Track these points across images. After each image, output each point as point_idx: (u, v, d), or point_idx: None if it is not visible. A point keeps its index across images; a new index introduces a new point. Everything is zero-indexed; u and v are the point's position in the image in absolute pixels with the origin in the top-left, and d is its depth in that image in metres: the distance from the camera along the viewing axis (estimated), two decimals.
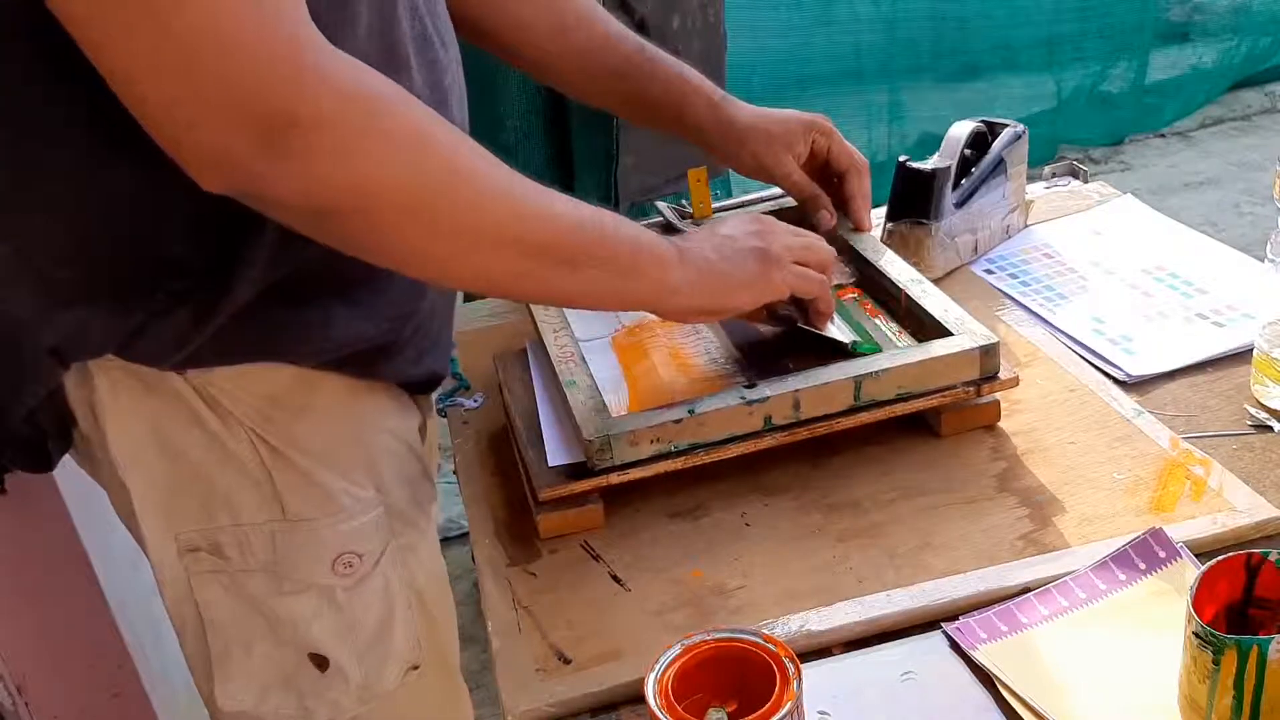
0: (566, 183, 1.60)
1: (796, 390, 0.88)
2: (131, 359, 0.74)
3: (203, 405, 0.76)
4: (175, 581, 0.81)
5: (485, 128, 1.33)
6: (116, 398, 0.76)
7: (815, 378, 0.89)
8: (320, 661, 0.82)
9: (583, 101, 1.14)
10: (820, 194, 1.11)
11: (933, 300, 0.97)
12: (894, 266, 1.04)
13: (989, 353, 0.91)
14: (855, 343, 0.94)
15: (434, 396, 0.93)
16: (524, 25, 1.03)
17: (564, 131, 1.56)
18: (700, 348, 0.99)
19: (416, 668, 0.87)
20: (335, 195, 0.64)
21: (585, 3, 1.07)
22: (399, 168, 0.66)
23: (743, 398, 0.87)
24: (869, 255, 1.06)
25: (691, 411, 0.86)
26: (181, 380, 0.75)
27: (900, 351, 0.93)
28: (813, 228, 1.14)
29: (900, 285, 1.00)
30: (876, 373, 0.89)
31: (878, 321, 1.01)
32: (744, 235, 0.88)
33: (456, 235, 0.70)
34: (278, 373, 0.77)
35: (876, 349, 0.94)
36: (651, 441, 0.86)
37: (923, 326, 0.97)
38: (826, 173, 1.12)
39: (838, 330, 0.95)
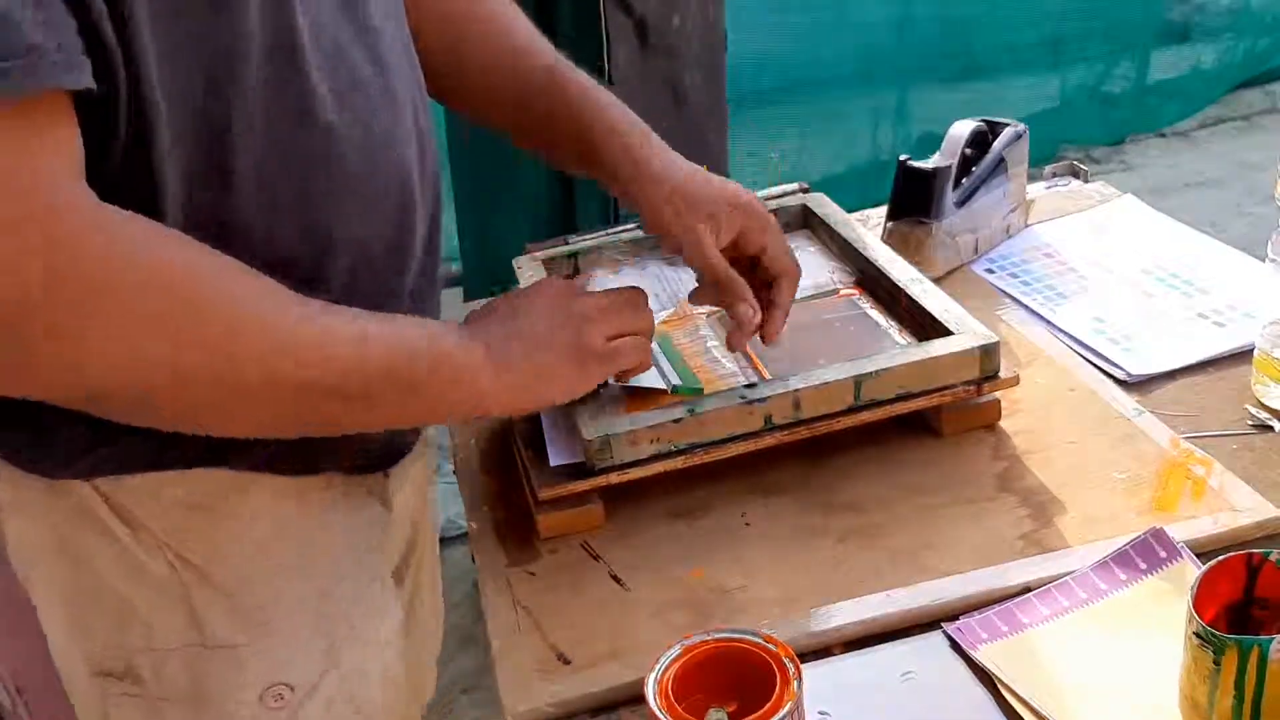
0: (566, 189, 1.60)
1: (797, 390, 0.88)
2: (22, 467, 0.68)
3: (111, 515, 0.69)
4: (89, 706, 0.74)
5: (485, 139, 1.31)
6: (18, 495, 0.69)
7: (815, 378, 0.89)
8: None
9: (485, 127, 0.97)
10: (740, 282, 0.88)
11: (933, 300, 0.97)
12: (894, 266, 1.04)
13: (989, 352, 0.91)
14: (674, 386, 0.91)
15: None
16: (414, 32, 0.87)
17: None
18: (700, 347, 0.99)
19: None
20: (99, 381, 0.59)
21: (491, 10, 0.92)
22: (164, 345, 0.59)
23: (743, 397, 0.87)
24: (869, 254, 1.06)
25: (692, 411, 0.86)
26: (88, 486, 0.68)
27: (900, 351, 0.93)
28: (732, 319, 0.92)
29: (900, 285, 1.00)
30: (876, 372, 0.89)
31: (878, 318, 1.00)
32: (551, 328, 0.78)
33: (237, 399, 0.63)
34: (200, 476, 0.70)
35: (697, 390, 0.91)
36: (651, 441, 0.86)
37: (923, 326, 0.97)
38: (752, 270, 0.91)
39: (655, 376, 0.92)
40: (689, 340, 1.00)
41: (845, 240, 1.10)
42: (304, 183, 0.68)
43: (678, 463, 0.87)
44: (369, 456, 0.79)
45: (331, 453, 0.75)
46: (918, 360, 0.90)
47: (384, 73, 0.74)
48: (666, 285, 1.10)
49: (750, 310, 0.87)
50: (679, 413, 0.86)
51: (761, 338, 0.90)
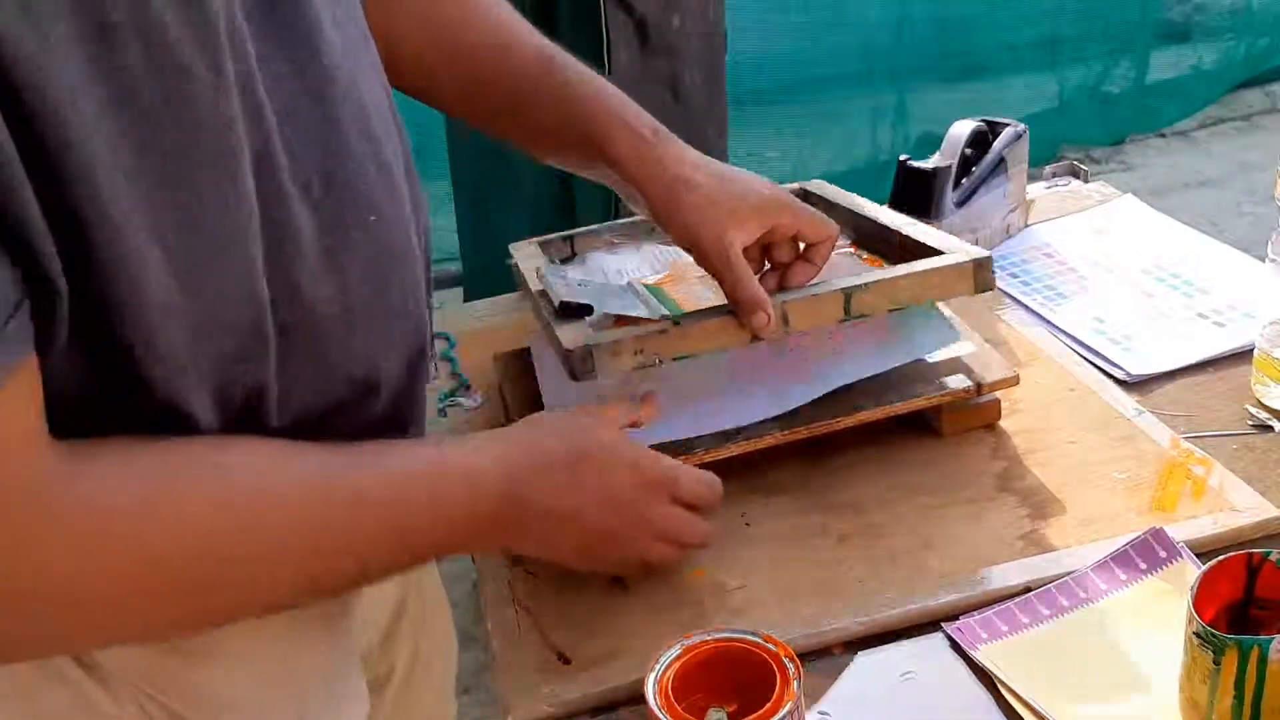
0: (566, 188, 1.60)
1: (785, 302, 0.85)
2: None
3: (73, 666, 0.61)
4: None
5: (486, 138, 1.31)
6: None
7: (804, 291, 0.86)
8: None
9: (472, 127, 0.92)
10: (762, 297, 0.82)
11: (928, 234, 0.95)
12: (885, 214, 1.02)
13: (982, 265, 0.88)
14: (662, 315, 0.87)
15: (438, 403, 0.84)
16: (399, 37, 0.81)
17: None
18: (694, 299, 0.96)
19: None
20: (115, 633, 0.58)
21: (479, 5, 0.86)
22: (171, 605, 0.57)
23: (730, 311, 0.84)
24: (864, 212, 1.03)
25: (677, 322, 0.84)
26: None
27: (893, 268, 0.90)
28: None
29: (894, 227, 0.98)
30: (867, 284, 0.86)
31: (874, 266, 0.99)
32: (604, 528, 0.74)
33: (272, 604, 0.63)
34: None
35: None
36: (635, 353, 0.83)
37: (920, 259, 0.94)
38: (779, 250, 0.88)
39: (642, 309, 0.88)
40: (683, 294, 0.99)
41: (844, 208, 1.07)
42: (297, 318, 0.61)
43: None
44: None
45: None
46: (907, 274, 0.87)
47: (389, 176, 0.66)
48: (661, 257, 1.08)
49: (765, 318, 0.82)
50: (664, 324, 0.83)
51: (785, 285, 0.87)
